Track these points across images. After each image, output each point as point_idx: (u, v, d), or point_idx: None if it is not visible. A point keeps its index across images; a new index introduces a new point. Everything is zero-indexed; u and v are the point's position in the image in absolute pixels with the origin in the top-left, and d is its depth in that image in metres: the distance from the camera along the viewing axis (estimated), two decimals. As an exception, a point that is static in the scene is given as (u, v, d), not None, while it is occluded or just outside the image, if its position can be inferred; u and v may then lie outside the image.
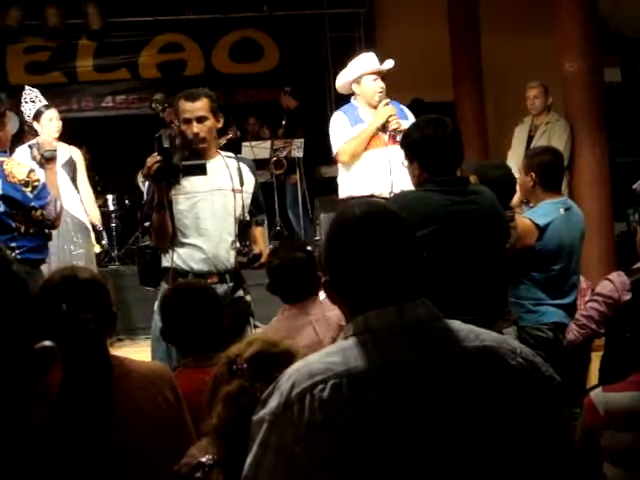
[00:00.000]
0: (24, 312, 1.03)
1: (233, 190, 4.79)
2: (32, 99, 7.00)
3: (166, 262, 4.77)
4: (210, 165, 4.78)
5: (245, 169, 4.90)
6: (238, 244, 4.78)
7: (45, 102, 7.03)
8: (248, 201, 4.88)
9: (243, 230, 4.81)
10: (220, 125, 4.88)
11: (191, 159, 4.73)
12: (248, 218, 4.88)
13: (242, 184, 4.83)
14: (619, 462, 3.11)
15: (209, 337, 3.58)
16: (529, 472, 1.81)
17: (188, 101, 4.76)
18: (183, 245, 4.75)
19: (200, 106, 4.74)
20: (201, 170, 4.66)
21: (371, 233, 1.95)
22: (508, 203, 4.88)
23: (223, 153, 4.97)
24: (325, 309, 4.09)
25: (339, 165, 6.19)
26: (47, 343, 1.05)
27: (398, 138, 5.86)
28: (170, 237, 4.72)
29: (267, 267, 4.43)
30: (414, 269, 1.95)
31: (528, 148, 8.10)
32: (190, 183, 4.72)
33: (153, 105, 10.18)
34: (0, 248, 1.07)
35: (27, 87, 7.18)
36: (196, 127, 4.72)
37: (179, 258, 4.74)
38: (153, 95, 10.60)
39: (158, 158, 4.51)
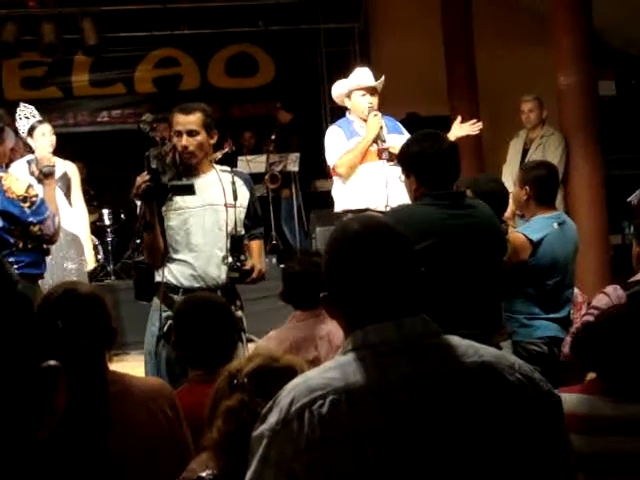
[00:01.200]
0: (31, 331, 1.04)
1: (225, 205, 4.77)
2: (27, 115, 6.99)
3: (158, 277, 4.76)
4: (202, 180, 4.78)
5: (239, 183, 4.87)
6: (230, 259, 4.77)
7: (39, 118, 7.03)
8: (242, 215, 4.86)
9: (236, 245, 4.79)
10: (214, 141, 4.85)
11: (184, 175, 4.73)
12: (242, 232, 4.87)
13: (235, 198, 4.80)
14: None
15: (220, 351, 3.59)
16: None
17: (182, 113, 4.76)
18: (174, 261, 4.74)
19: (192, 120, 4.73)
20: (189, 191, 4.64)
21: (370, 248, 1.96)
22: (501, 216, 4.90)
23: (218, 167, 4.95)
24: (332, 329, 4.05)
25: (334, 179, 6.20)
26: (52, 362, 1.05)
27: (384, 156, 5.88)
28: (162, 253, 4.71)
29: (285, 274, 4.39)
30: (413, 284, 1.96)
31: (523, 162, 8.10)
32: (182, 199, 4.70)
33: (141, 126, 10.15)
34: (4, 267, 1.08)
35: (22, 103, 7.17)
36: (185, 140, 4.72)
37: (170, 273, 4.73)
38: (145, 112, 10.59)
39: (147, 178, 4.50)
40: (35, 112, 7.05)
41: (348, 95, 6.16)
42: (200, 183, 4.74)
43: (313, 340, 4.10)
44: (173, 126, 4.80)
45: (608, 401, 3.12)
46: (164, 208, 4.70)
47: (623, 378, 3.12)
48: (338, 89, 6.25)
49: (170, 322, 4.26)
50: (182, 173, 4.74)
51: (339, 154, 6.00)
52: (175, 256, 4.74)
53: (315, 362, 3.73)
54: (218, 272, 4.75)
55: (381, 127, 5.99)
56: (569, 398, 3.25)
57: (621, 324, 3.17)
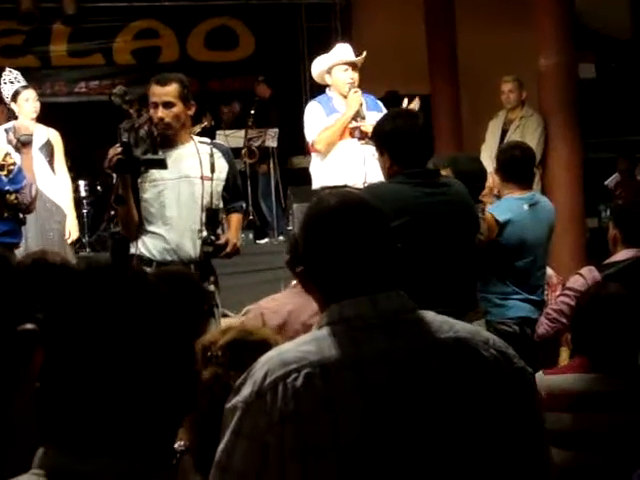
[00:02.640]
0: (7, 293, 1.03)
1: (202, 177, 4.73)
2: (11, 80, 6.95)
3: (133, 249, 4.74)
4: (179, 152, 4.74)
5: (218, 155, 4.83)
6: (205, 233, 4.73)
7: (24, 83, 6.98)
8: (219, 188, 4.82)
9: (211, 218, 4.76)
10: (191, 112, 4.81)
11: (161, 146, 4.69)
12: (220, 205, 4.84)
13: (213, 171, 4.76)
14: (560, 443, 3.17)
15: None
16: (502, 462, 1.82)
17: (158, 85, 4.71)
18: (147, 233, 4.71)
19: (168, 91, 4.68)
20: (160, 165, 4.60)
21: (346, 222, 1.95)
22: (479, 196, 4.90)
23: (197, 139, 4.91)
24: None
25: (312, 155, 6.18)
26: (29, 326, 1.05)
27: (356, 134, 5.87)
28: (136, 225, 4.68)
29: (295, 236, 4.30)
30: (389, 259, 1.95)
31: (502, 142, 8.12)
32: (157, 171, 4.67)
33: (112, 99, 10.09)
34: None
35: (7, 68, 7.13)
36: (161, 112, 4.68)
37: (144, 246, 4.70)
38: (124, 84, 10.49)
39: (119, 150, 4.47)
40: (20, 77, 7.01)
41: (329, 71, 6.13)
42: (177, 155, 4.70)
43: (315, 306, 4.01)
44: (149, 97, 4.76)
45: (600, 378, 3.23)
46: (139, 180, 4.66)
47: (614, 357, 3.25)
48: (319, 65, 6.21)
49: None
50: (159, 145, 4.70)
51: (318, 130, 5.98)
52: (149, 228, 4.71)
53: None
54: (192, 246, 4.71)
55: (361, 104, 5.98)
56: (561, 379, 3.35)
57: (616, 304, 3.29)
